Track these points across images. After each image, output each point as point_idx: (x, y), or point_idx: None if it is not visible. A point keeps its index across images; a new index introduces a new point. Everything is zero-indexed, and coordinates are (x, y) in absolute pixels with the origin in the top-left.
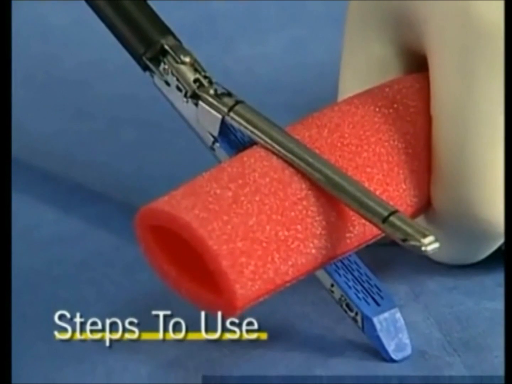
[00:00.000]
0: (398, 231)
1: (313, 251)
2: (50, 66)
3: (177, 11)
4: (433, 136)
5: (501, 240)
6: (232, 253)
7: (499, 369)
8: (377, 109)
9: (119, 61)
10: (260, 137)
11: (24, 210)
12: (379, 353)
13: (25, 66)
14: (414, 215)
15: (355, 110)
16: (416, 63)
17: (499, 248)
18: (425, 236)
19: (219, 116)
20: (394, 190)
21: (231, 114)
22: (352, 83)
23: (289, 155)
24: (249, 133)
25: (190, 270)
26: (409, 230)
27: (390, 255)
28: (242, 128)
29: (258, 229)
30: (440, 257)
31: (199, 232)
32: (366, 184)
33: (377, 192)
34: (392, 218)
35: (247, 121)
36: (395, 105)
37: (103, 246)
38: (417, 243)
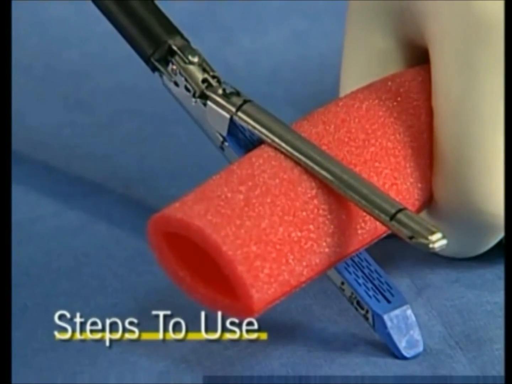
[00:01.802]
0: (405, 229)
1: (327, 250)
2: (51, 58)
3: (178, 3)
4: (435, 128)
5: (502, 233)
6: (247, 257)
7: (500, 362)
8: (381, 103)
9: (120, 53)
10: (268, 136)
11: (25, 202)
12: (382, 345)
13: (25, 58)
14: (420, 209)
15: (360, 105)
16: (418, 56)
17: (500, 241)
18: (432, 233)
19: (227, 116)
20: (402, 183)
21: (239, 113)
22: (353, 75)
23: (297, 154)
24: (257, 132)
25: (205, 276)
26: (416, 227)
27: (392, 249)
28: (250, 127)
29: (271, 231)
30: (442, 250)
31: (212, 238)
32: (375, 179)
33: (386, 187)
34: (399, 216)
35: (255, 120)
36: (399, 99)
37: (104, 238)
38: (425, 241)
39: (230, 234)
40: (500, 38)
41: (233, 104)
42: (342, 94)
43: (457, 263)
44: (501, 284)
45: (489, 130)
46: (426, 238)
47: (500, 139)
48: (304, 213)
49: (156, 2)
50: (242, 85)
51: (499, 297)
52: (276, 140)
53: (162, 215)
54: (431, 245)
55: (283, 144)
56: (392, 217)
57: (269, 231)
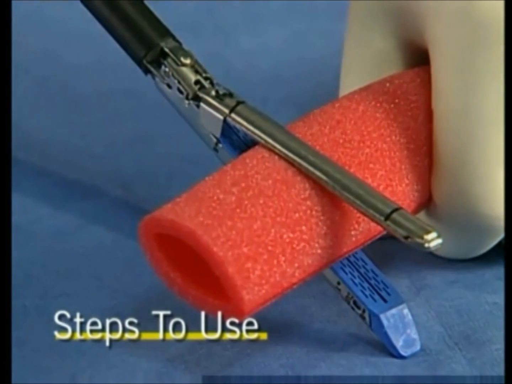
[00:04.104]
0: (400, 228)
1: (319, 251)
2: (49, 59)
3: (178, 5)
4: (434, 130)
5: (501, 235)
6: (238, 259)
7: (500, 362)
8: (378, 105)
9: (118, 53)
10: (261, 138)
11: (23, 203)
12: (381, 346)
13: (24, 60)
14: (416, 210)
15: (356, 106)
16: (418, 57)
17: (499, 242)
18: (427, 232)
19: (221, 118)
20: (397, 185)
21: (232, 115)
22: (353, 76)
23: (291, 155)
24: (250, 133)
25: (197, 277)
26: (411, 227)
27: (391, 249)
28: (243, 129)
29: (263, 232)
30: (441, 252)
31: (203, 239)
32: (369, 180)
33: (381, 188)
34: (394, 215)
35: (248, 121)
36: (396, 100)
37: (102, 239)
38: (420, 240)
39: (221, 235)
40: (501, 39)
41: (226, 106)
42: (341, 94)
43: (456, 264)
44: (500, 284)
45: (489, 131)
46: (421, 238)
47: (500, 141)
48: (296, 214)
49: (157, 3)
50: (241, 86)
51: (498, 298)
52: (270, 141)
53: (153, 217)
54: (426, 245)
55: (277, 145)
56: (387, 217)
57: (260, 232)
